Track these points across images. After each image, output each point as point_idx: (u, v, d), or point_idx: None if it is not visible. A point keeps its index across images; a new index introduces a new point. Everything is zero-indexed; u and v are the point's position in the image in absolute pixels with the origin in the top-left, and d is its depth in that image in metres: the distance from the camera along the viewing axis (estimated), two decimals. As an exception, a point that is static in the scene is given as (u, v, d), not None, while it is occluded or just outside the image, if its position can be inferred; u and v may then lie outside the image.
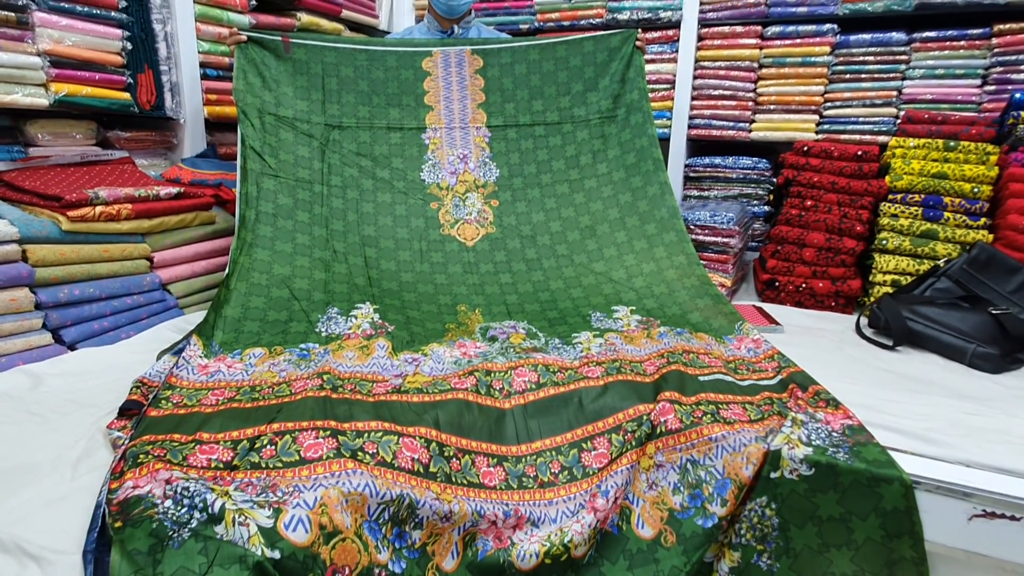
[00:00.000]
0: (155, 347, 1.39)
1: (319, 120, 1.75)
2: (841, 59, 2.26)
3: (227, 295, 1.39)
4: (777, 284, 1.90)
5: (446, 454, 0.99)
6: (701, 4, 2.39)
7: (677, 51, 2.46)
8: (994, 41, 2.07)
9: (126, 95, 1.79)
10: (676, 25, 2.44)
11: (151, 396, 1.11)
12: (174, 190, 1.64)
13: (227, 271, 1.47)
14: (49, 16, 1.59)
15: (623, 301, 1.58)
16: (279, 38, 1.73)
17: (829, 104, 2.30)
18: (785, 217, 1.93)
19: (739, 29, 2.37)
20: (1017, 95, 1.80)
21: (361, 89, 1.79)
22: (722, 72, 2.41)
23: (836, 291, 1.82)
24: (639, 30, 1.89)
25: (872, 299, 1.76)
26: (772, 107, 2.38)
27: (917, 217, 1.79)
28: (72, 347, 1.38)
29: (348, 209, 1.69)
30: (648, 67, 2.42)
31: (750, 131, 2.42)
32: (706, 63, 2.44)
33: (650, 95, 1.93)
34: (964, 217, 1.74)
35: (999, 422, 1.07)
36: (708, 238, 1.97)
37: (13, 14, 1.53)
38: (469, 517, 0.94)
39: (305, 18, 2.32)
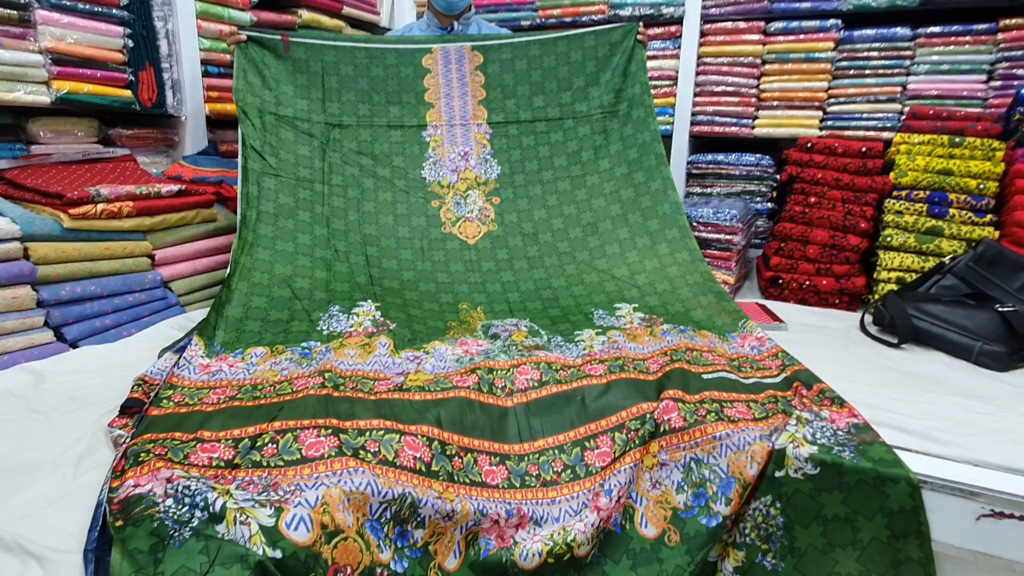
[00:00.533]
0: (157, 345, 1.39)
1: (319, 119, 1.74)
2: (845, 55, 2.25)
3: (228, 295, 1.39)
4: (781, 281, 1.89)
5: (448, 452, 0.99)
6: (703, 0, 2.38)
7: (679, 47, 2.44)
8: (1000, 36, 2.06)
9: (127, 92, 1.79)
10: (678, 21, 2.43)
11: (152, 395, 1.11)
12: (175, 187, 1.63)
13: (228, 271, 1.47)
14: (51, 14, 1.58)
15: (626, 298, 1.57)
16: (278, 37, 1.73)
17: (833, 100, 2.29)
18: (789, 214, 1.92)
19: (742, 25, 2.35)
20: (1023, 90, 1.78)
21: (361, 87, 1.79)
22: (725, 68, 2.40)
23: (840, 288, 1.81)
24: (640, 24, 1.88)
25: (877, 296, 1.75)
26: (775, 103, 2.37)
27: (922, 214, 1.77)
28: (74, 345, 1.38)
29: (349, 208, 1.69)
30: (650, 63, 2.41)
31: (753, 127, 2.41)
32: (709, 59, 2.43)
33: (652, 91, 1.92)
34: (970, 214, 1.73)
35: (1006, 421, 1.06)
36: (711, 235, 1.96)
37: (15, 12, 1.53)
38: (471, 516, 0.93)
39: (306, 15, 2.31)
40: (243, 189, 1.59)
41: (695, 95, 2.47)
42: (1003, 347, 1.35)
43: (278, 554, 0.76)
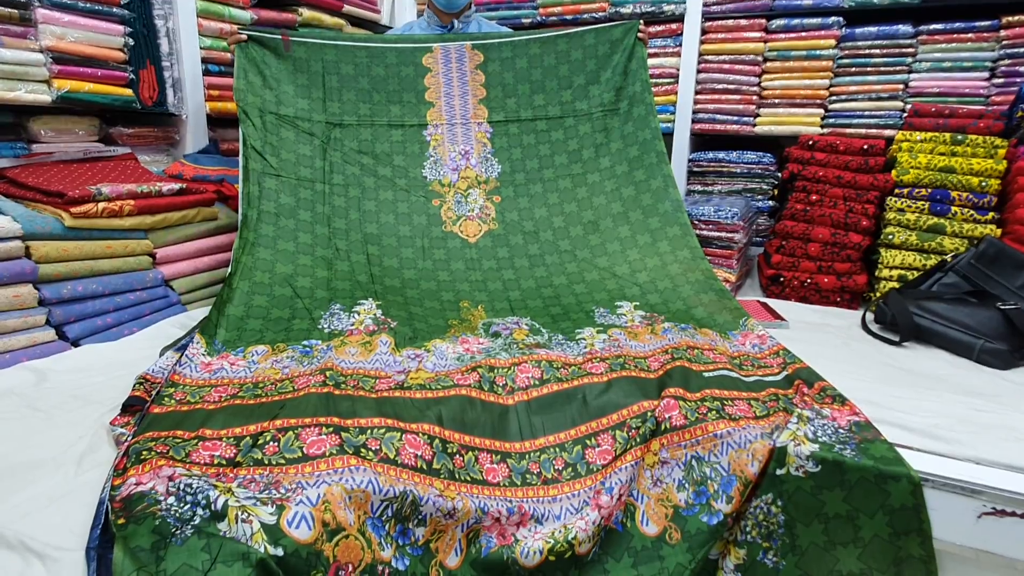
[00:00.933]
0: (158, 343, 1.39)
1: (320, 118, 1.74)
2: (847, 52, 2.24)
3: (230, 294, 1.39)
4: (782, 279, 1.89)
5: (449, 451, 0.99)
6: (705, -3, 2.38)
7: (681, 45, 2.44)
8: (1002, 33, 2.05)
9: (128, 91, 1.79)
10: (680, 19, 2.42)
11: (154, 393, 1.11)
12: (176, 186, 1.63)
13: (230, 270, 1.47)
14: (52, 12, 1.58)
15: (627, 296, 1.57)
16: (279, 36, 1.73)
17: (834, 98, 2.29)
18: (790, 212, 1.92)
19: (743, 22, 2.35)
20: (1026, 88, 1.78)
21: (362, 86, 1.78)
22: (726, 66, 2.40)
23: (842, 286, 1.81)
24: (641, 21, 1.88)
25: (878, 294, 1.75)
26: (777, 101, 2.36)
27: (924, 211, 1.77)
28: (76, 343, 1.39)
29: (350, 207, 1.69)
30: (651, 61, 2.41)
31: (755, 125, 2.40)
32: (710, 57, 2.42)
33: (653, 89, 1.91)
34: (972, 211, 1.73)
35: (1008, 418, 1.06)
36: (712, 233, 1.96)
37: (16, 11, 1.53)
38: (473, 514, 0.93)
39: (307, 13, 2.31)
40: (244, 189, 1.59)
41: (696, 93, 2.47)
42: (1005, 345, 1.34)
43: (280, 552, 0.76)
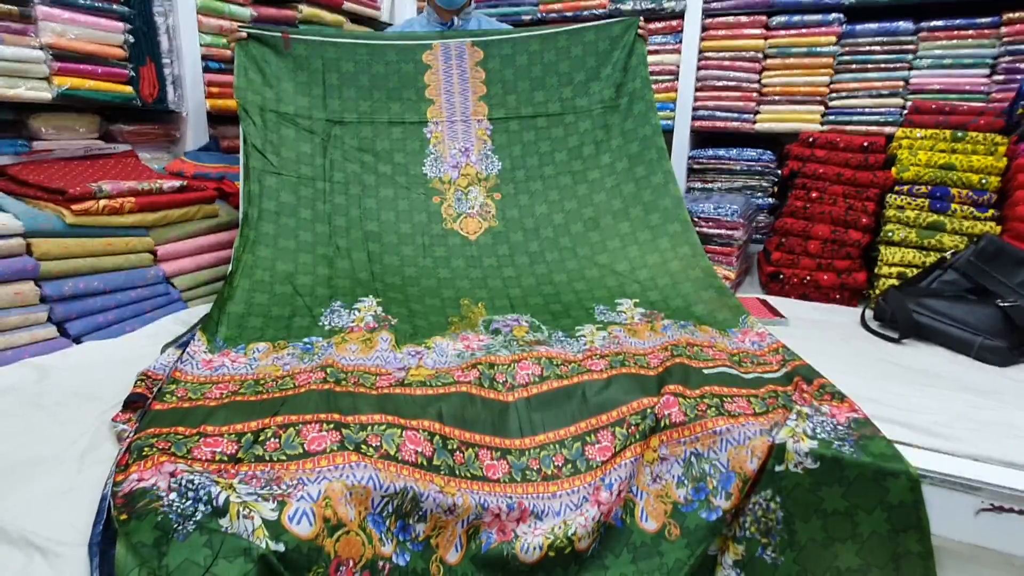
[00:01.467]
0: (159, 340, 1.39)
1: (320, 116, 1.74)
2: (847, 49, 2.24)
3: (231, 292, 1.39)
4: (782, 277, 1.89)
5: (450, 447, 0.99)
6: (705, -6, 2.37)
7: (681, 42, 2.44)
8: (1003, 30, 2.05)
9: (129, 88, 1.78)
10: (680, 15, 2.42)
11: (155, 389, 1.11)
12: (177, 183, 1.63)
13: (230, 268, 1.47)
14: (51, 9, 1.58)
15: (627, 294, 1.57)
16: (279, 34, 1.72)
17: (835, 95, 2.28)
18: (790, 209, 1.92)
19: (744, 19, 2.35)
20: (1026, 85, 1.78)
21: (362, 84, 1.78)
22: (726, 63, 2.39)
23: (841, 284, 1.81)
24: (641, 18, 1.88)
25: (878, 292, 1.75)
26: (777, 98, 2.36)
27: (924, 209, 1.77)
28: (77, 340, 1.39)
29: (350, 205, 1.69)
30: (651, 58, 2.41)
31: (755, 122, 2.40)
32: (710, 54, 2.42)
33: (654, 86, 1.91)
34: (971, 208, 1.73)
35: (1007, 415, 1.06)
36: (712, 230, 1.96)
37: (16, 8, 1.53)
38: (473, 510, 0.94)
39: (307, 10, 2.31)
40: (245, 187, 1.59)
41: (696, 90, 2.47)
42: (1003, 342, 1.35)
43: (281, 547, 0.76)
